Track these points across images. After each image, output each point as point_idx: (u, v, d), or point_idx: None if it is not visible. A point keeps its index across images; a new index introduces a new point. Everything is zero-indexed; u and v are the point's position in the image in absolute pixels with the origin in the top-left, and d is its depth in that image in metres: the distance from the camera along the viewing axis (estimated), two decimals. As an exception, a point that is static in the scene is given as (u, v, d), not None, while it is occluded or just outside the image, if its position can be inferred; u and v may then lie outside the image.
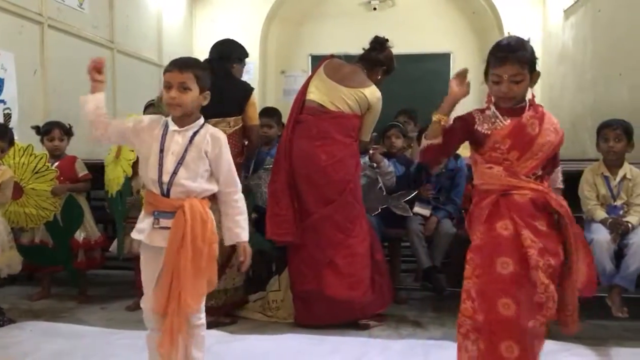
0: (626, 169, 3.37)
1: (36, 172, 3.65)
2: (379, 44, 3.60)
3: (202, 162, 2.22)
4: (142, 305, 2.28)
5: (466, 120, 2.24)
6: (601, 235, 3.17)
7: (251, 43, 7.55)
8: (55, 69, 4.73)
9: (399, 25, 7.37)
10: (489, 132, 2.16)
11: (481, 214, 2.16)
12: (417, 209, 3.81)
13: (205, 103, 2.31)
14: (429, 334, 3.29)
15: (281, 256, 3.67)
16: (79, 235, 3.87)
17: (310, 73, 3.67)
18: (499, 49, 2.16)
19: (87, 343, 3.06)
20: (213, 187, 2.26)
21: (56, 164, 3.86)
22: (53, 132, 3.92)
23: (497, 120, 2.17)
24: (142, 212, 2.26)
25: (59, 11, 4.87)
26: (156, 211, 2.19)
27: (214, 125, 3.36)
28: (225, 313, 3.46)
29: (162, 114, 3.15)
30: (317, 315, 3.35)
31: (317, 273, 3.33)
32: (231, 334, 3.22)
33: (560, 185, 2.33)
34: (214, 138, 2.27)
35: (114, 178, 3.67)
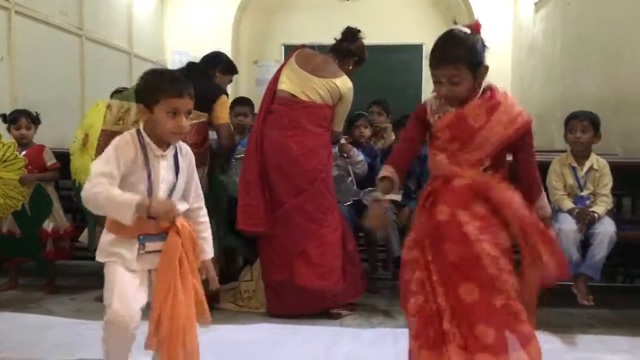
0: (593, 159, 3.43)
1: (4, 161, 3.57)
2: (351, 34, 3.60)
3: (186, 183, 2.18)
4: (111, 320, 1.99)
5: (418, 112, 2.19)
6: (568, 225, 3.22)
7: (223, 32, 7.51)
8: (23, 56, 4.61)
9: (371, 16, 7.38)
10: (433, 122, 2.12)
11: (420, 200, 2.14)
12: (388, 195, 3.83)
13: None
14: (398, 322, 3.32)
15: (252, 250, 3.66)
16: (48, 225, 3.81)
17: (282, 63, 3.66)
18: (434, 48, 2.08)
19: (56, 333, 3.03)
20: (187, 204, 2.21)
21: (24, 152, 3.77)
22: (20, 120, 3.85)
23: (446, 110, 2.11)
24: (114, 238, 2.07)
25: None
26: (142, 235, 2.06)
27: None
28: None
29: (125, 107, 3.15)
30: (288, 305, 3.36)
31: (289, 263, 3.33)
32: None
33: (547, 211, 2.16)
34: (186, 154, 2.20)
35: (81, 167, 3.61)
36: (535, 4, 6.28)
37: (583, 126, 3.39)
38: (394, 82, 7.69)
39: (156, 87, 2.07)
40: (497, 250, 1.94)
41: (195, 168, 2.24)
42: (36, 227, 3.77)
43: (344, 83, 3.46)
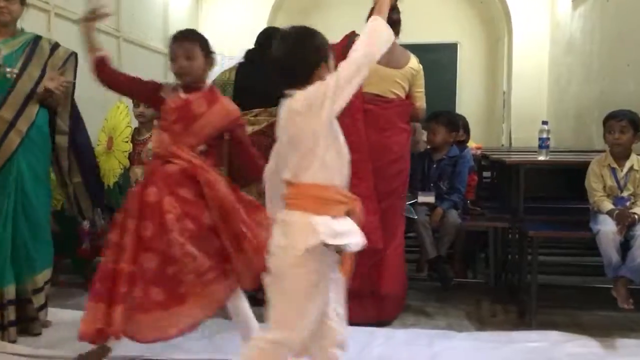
0: (633, 160, 3.35)
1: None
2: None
3: None
4: (282, 337, 1.84)
5: (155, 84, 2.59)
6: (608, 226, 3.16)
7: (258, 32, 7.55)
8: (62, 57, 4.70)
9: (406, 13, 7.30)
10: (164, 102, 2.46)
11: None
12: (422, 197, 3.82)
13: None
14: (433, 323, 3.30)
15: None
16: (86, 224, 3.89)
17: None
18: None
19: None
20: None
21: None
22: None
23: (177, 94, 2.47)
24: (322, 216, 1.80)
25: (66, 0, 4.87)
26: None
27: (256, 115, 3.42)
28: None
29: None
30: (371, 314, 3.18)
31: (370, 270, 3.21)
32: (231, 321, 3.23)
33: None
34: None
35: (109, 169, 3.66)
36: (574, 1, 6.16)
37: (622, 126, 3.31)
38: (428, 81, 7.60)
39: None
40: (184, 237, 2.30)
41: None
42: (75, 226, 3.84)
43: (414, 61, 3.38)
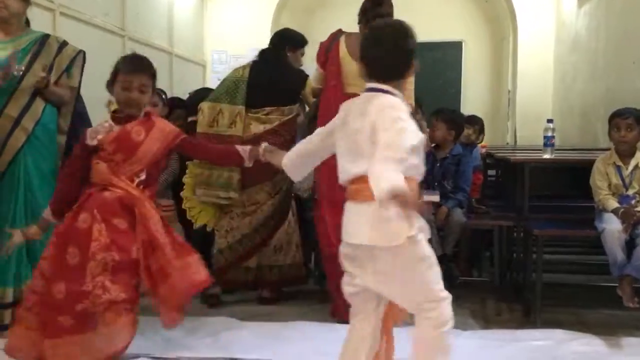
0: (638, 158, 3.33)
1: None
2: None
3: None
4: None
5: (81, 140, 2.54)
6: (613, 225, 3.15)
7: (262, 31, 7.53)
8: (67, 56, 4.72)
9: (410, 12, 7.25)
10: (97, 141, 2.46)
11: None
12: (426, 196, 3.81)
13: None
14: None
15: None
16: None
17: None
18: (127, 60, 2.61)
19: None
20: None
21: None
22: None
23: (109, 126, 2.50)
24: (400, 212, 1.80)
25: (71, -1, 4.88)
26: None
27: (267, 114, 3.44)
28: (275, 288, 3.58)
29: (217, 109, 3.32)
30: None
31: None
32: (241, 320, 3.24)
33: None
34: None
35: None
36: (579, -2, 6.14)
37: (627, 124, 3.30)
38: (433, 80, 7.62)
39: None
40: (100, 268, 2.27)
41: None
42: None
43: None
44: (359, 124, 1.95)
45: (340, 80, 3.20)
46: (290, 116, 3.50)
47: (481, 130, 4.79)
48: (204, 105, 3.49)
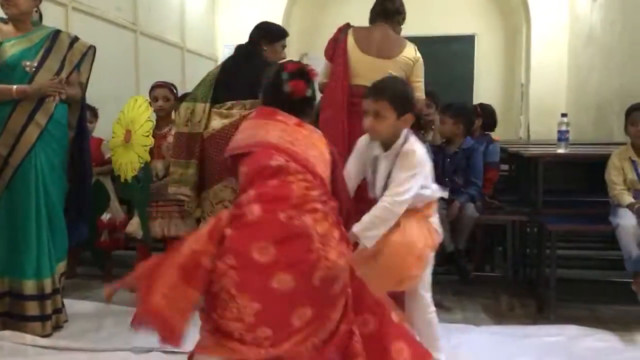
0: (654, 153, 3.30)
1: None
2: None
3: None
4: None
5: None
6: (627, 220, 3.12)
7: (273, 25, 7.54)
8: (80, 51, 4.73)
9: (423, 6, 7.26)
10: None
11: None
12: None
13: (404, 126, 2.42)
14: (451, 317, 3.29)
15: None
16: (105, 216, 3.93)
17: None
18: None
19: (112, 322, 3.12)
20: None
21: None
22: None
23: None
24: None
25: (83, -6, 4.90)
26: None
27: (229, 108, 3.37)
28: None
29: (191, 109, 3.22)
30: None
31: None
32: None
33: None
34: None
35: (127, 162, 3.64)
36: (594, -9, 6.08)
37: (645, 118, 3.27)
38: (445, 74, 7.57)
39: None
40: None
41: None
42: (94, 219, 3.88)
43: (411, 50, 3.21)
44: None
45: (347, 72, 3.18)
46: (252, 110, 3.33)
47: (488, 122, 4.57)
48: (182, 107, 3.37)
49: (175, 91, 3.91)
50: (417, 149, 2.36)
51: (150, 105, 3.74)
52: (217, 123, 3.24)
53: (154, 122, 3.68)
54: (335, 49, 3.28)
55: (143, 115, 3.59)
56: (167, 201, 3.60)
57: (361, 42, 3.20)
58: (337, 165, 2.12)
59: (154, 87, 3.86)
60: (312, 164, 1.95)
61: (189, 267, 1.80)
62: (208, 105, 3.30)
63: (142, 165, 3.56)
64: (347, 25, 3.34)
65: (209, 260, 1.81)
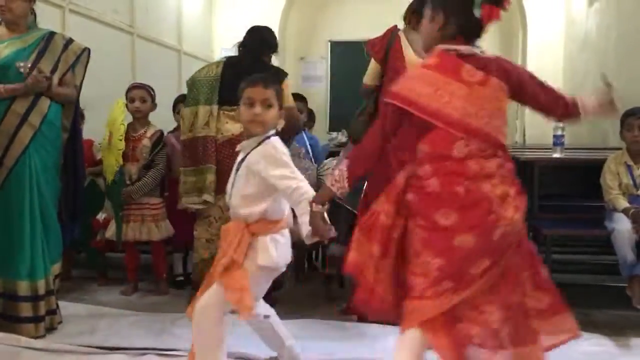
0: (650, 158, 3.32)
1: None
2: None
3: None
4: None
5: None
6: (623, 225, 3.13)
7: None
8: (76, 53, 4.72)
9: (419, 11, 7.29)
10: None
11: None
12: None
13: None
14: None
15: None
16: (100, 216, 3.93)
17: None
18: None
19: (107, 324, 3.11)
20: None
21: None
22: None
23: None
24: None
25: (80, -4, 4.89)
26: None
27: (232, 111, 3.34)
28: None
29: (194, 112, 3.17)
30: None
31: None
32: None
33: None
34: None
35: (109, 165, 3.65)
36: (589, -3, 6.11)
37: (640, 124, 3.29)
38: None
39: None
40: None
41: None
42: (89, 220, 3.87)
43: None
44: None
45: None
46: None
47: None
48: (185, 111, 3.34)
49: (152, 93, 3.88)
50: None
51: (127, 107, 3.73)
52: (232, 127, 3.18)
53: (126, 125, 3.67)
54: (390, 52, 3.11)
55: (119, 119, 3.60)
56: (140, 205, 3.65)
57: (414, 45, 3.06)
58: (523, 83, 2.17)
59: (130, 89, 3.86)
60: (494, 137, 1.91)
61: (367, 224, 1.96)
62: (215, 107, 3.25)
63: (118, 168, 3.58)
64: (395, 27, 3.19)
65: (386, 217, 1.93)
